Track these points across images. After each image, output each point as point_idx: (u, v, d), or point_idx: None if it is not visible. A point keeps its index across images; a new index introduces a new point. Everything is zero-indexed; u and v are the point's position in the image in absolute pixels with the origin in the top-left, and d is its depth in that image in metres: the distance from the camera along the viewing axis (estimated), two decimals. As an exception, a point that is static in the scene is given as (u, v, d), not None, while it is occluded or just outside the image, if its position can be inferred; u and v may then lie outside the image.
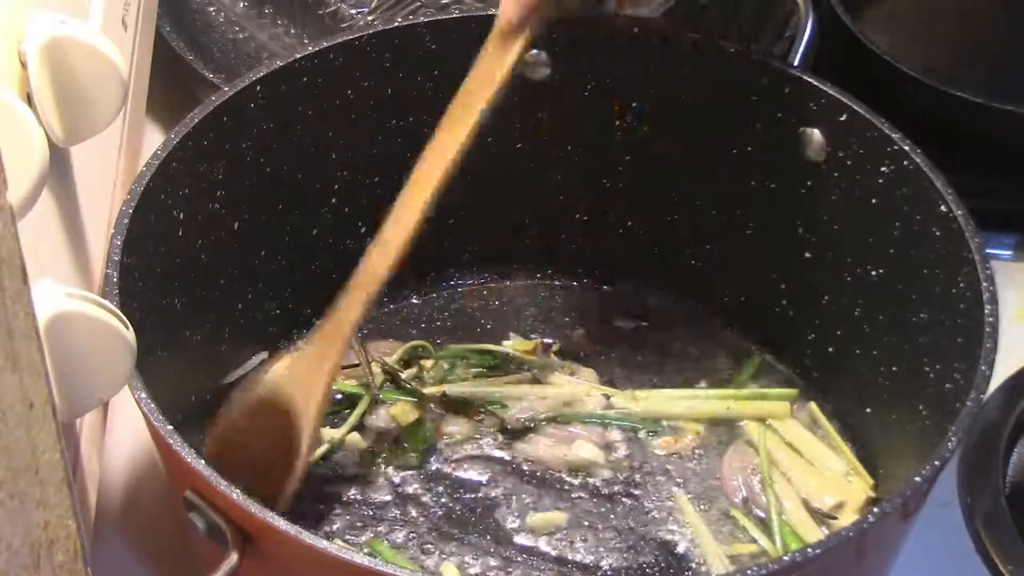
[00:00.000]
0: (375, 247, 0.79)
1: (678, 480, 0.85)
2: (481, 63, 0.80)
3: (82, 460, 0.73)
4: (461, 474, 0.85)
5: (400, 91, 0.88)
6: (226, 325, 0.86)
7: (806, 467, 0.85)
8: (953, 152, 0.82)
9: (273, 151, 0.85)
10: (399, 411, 0.87)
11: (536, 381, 0.89)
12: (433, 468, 0.85)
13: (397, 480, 0.84)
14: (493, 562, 0.81)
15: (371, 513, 0.83)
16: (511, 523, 0.82)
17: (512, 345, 0.92)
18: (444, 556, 0.81)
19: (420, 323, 0.94)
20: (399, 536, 0.82)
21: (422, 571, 0.79)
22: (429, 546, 0.81)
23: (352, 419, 0.86)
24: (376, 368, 0.89)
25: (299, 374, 0.79)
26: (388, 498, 0.84)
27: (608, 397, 0.88)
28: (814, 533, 0.82)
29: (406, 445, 0.86)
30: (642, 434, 0.87)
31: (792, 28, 0.93)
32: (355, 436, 0.86)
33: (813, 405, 0.88)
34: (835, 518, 0.83)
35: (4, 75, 0.60)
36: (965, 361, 0.74)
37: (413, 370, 0.90)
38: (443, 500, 0.84)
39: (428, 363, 0.90)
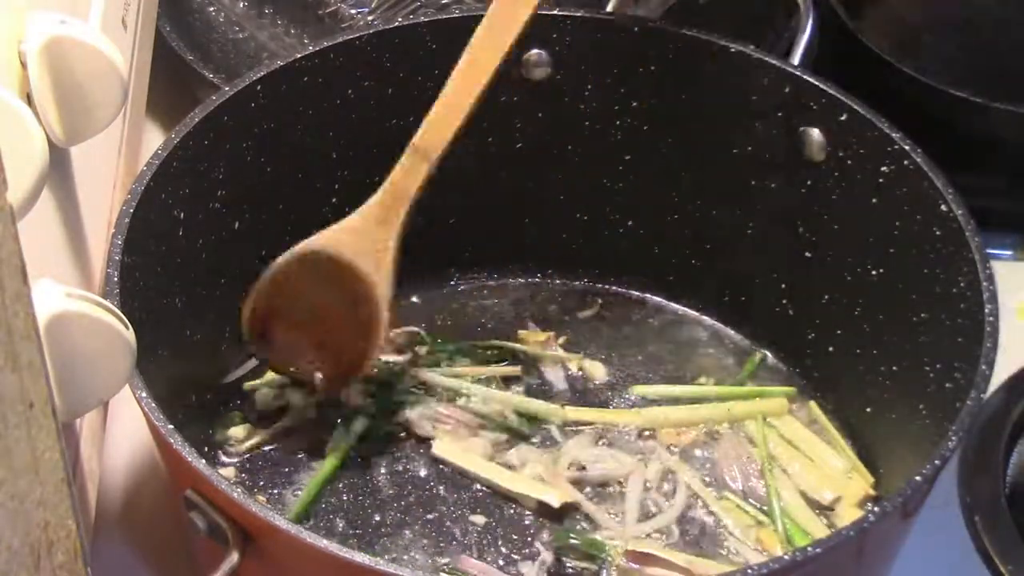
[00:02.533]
0: (434, 113, 0.80)
1: (679, 471, 0.85)
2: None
3: (82, 460, 0.73)
4: (465, 466, 0.85)
5: (400, 91, 0.88)
6: (226, 325, 0.86)
7: (805, 463, 0.85)
8: (953, 152, 0.82)
9: (273, 151, 0.85)
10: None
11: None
12: (437, 466, 0.85)
13: (398, 479, 0.84)
14: (504, 550, 0.81)
15: (371, 512, 0.83)
16: (516, 517, 0.83)
17: (525, 336, 0.92)
18: (444, 553, 0.81)
19: (420, 322, 0.93)
20: (400, 534, 0.82)
21: (423, 570, 0.79)
22: (426, 542, 0.81)
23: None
24: None
25: (360, 240, 0.81)
26: (388, 497, 0.84)
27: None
28: (812, 523, 0.82)
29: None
30: (646, 430, 0.87)
31: (792, 28, 0.93)
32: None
33: (813, 404, 0.89)
34: (832, 510, 0.83)
35: (4, 75, 0.60)
36: (965, 361, 0.74)
37: (408, 356, 0.90)
38: (448, 498, 0.84)
39: (422, 349, 0.90)
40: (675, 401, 0.89)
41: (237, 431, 0.86)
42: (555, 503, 0.82)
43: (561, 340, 0.92)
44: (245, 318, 0.83)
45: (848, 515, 0.82)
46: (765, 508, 0.83)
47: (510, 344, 0.91)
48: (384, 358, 0.88)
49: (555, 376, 0.90)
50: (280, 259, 0.82)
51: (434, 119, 0.81)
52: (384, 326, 0.81)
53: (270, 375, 0.88)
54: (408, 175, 0.81)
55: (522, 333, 0.92)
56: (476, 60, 0.80)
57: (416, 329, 0.91)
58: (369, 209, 0.81)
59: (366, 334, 0.82)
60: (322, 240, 0.82)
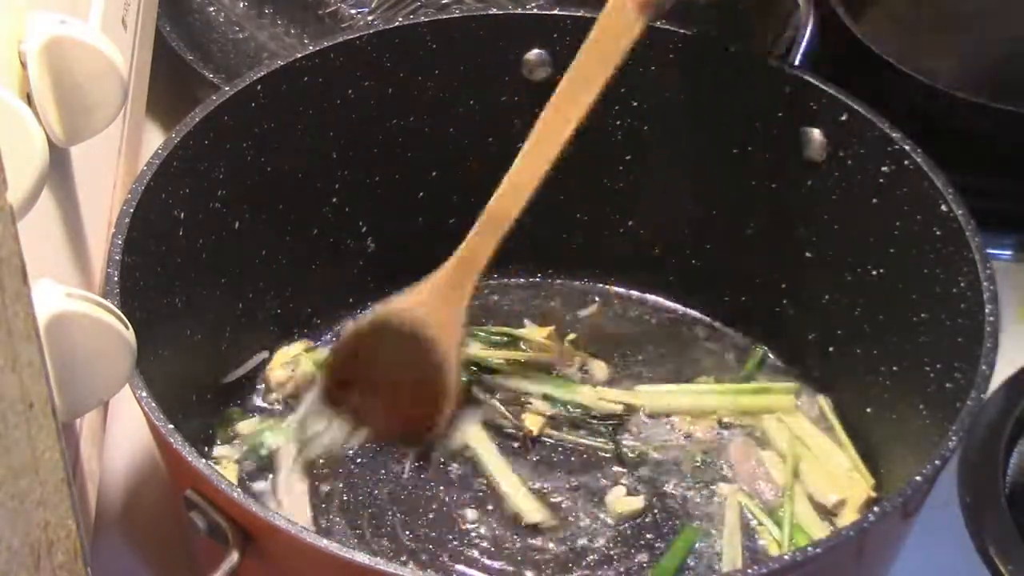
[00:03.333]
0: (505, 189, 0.81)
1: (690, 469, 0.85)
2: (601, 36, 0.80)
3: (82, 460, 0.73)
4: (467, 467, 0.85)
5: (400, 91, 0.88)
6: (226, 325, 0.86)
7: (812, 462, 0.85)
8: (953, 152, 0.82)
9: (273, 151, 0.85)
10: None
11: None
12: (437, 466, 0.85)
13: (398, 479, 0.84)
14: (505, 551, 0.81)
15: (371, 512, 0.83)
16: (517, 518, 0.83)
17: (527, 332, 0.92)
18: (444, 553, 0.81)
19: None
20: (400, 534, 0.82)
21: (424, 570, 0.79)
22: (427, 542, 0.81)
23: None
24: None
25: (432, 307, 0.82)
26: (388, 497, 0.84)
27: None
28: (817, 527, 0.82)
29: None
30: (654, 427, 0.87)
31: (792, 28, 0.93)
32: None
33: (822, 399, 0.89)
34: (835, 515, 0.83)
35: (4, 75, 0.60)
36: (965, 361, 0.74)
37: None
38: (448, 498, 0.84)
39: None
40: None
41: (244, 426, 0.86)
42: (535, 518, 0.82)
43: (571, 336, 0.92)
44: (323, 385, 0.85)
45: (850, 520, 0.82)
46: (768, 509, 0.83)
47: (522, 332, 0.92)
48: None
49: (570, 372, 0.91)
50: (352, 326, 0.84)
51: (507, 187, 0.81)
52: (453, 392, 0.83)
53: (282, 356, 0.89)
54: (479, 244, 0.82)
55: (524, 331, 0.93)
56: (549, 129, 0.80)
57: None
58: (440, 277, 0.82)
59: (436, 398, 0.83)
60: (393, 308, 0.83)
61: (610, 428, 0.87)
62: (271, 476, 0.84)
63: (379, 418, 0.84)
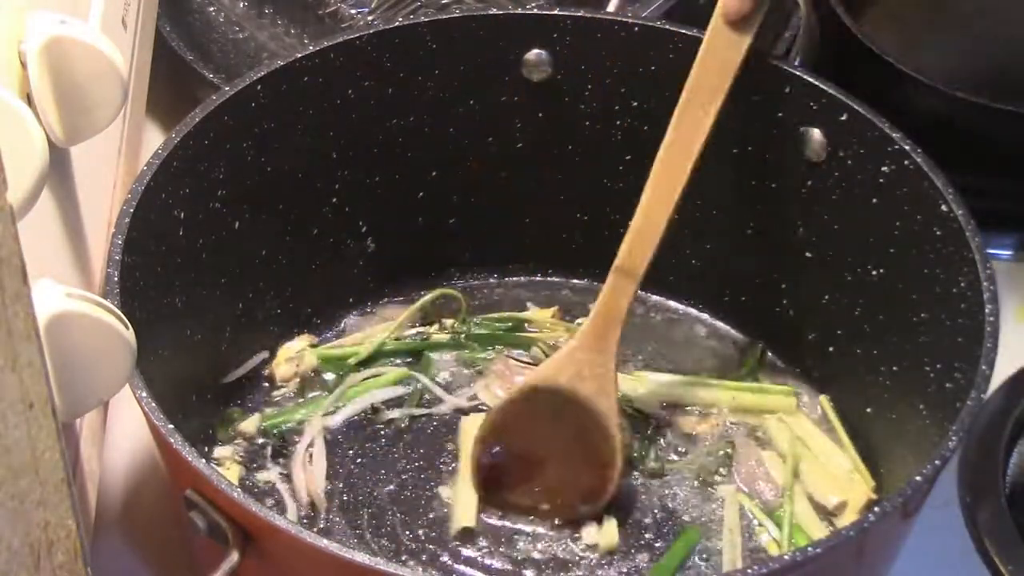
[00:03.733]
0: (631, 240, 0.80)
1: (690, 469, 0.86)
2: (707, 57, 0.80)
3: (82, 460, 0.73)
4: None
5: (400, 91, 0.88)
6: (226, 325, 0.86)
7: (812, 462, 0.85)
8: (953, 152, 0.82)
9: (273, 151, 0.85)
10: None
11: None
12: (438, 466, 0.85)
13: (398, 479, 0.84)
14: (504, 549, 0.81)
15: (373, 511, 0.83)
16: (515, 519, 0.83)
17: (531, 314, 0.93)
18: (444, 553, 0.81)
19: (419, 322, 0.94)
20: (400, 534, 0.82)
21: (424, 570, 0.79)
22: (427, 542, 0.81)
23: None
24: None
25: (579, 368, 0.80)
26: (388, 497, 0.84)
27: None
28: (817, 527, 0.82)
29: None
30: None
31: (792, 28, 0.93)
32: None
33: (824, 399, 0.89)
34: (836, 515, 0.83)
35: (4, 75, 0.60)
36: (965, 361, 0.74)
37: (434, 327, 0.92)
38: (449, 498, 0.84)
39: (449, 322, 0.92)
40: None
41: (247, 424, 0.86)
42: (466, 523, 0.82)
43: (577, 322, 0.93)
44: (472, 467, 0.83)
45: (850, 521, 0.82)
46: (768, 509, 0.84)
47: (522, 315, 0.93)
48: (417, 329, 0.91)
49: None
50: (500, 401, 0.83)
51: (635, 236, 0.80)
52: (620, 449, 0.81)
53: (286, 351, 0.89)
54: (617, 296, 0.81)
55: (527, 313, 0.93)
56: (668, 167, 0.80)
57: (456, 294, 0.93)
58: (584, 337, 0.81)
59: (599, 461, 0.81)
60: (541, 374, 0.82)
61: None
62: (281, 459, 0.85)
63: (541, 496, 0.82)
